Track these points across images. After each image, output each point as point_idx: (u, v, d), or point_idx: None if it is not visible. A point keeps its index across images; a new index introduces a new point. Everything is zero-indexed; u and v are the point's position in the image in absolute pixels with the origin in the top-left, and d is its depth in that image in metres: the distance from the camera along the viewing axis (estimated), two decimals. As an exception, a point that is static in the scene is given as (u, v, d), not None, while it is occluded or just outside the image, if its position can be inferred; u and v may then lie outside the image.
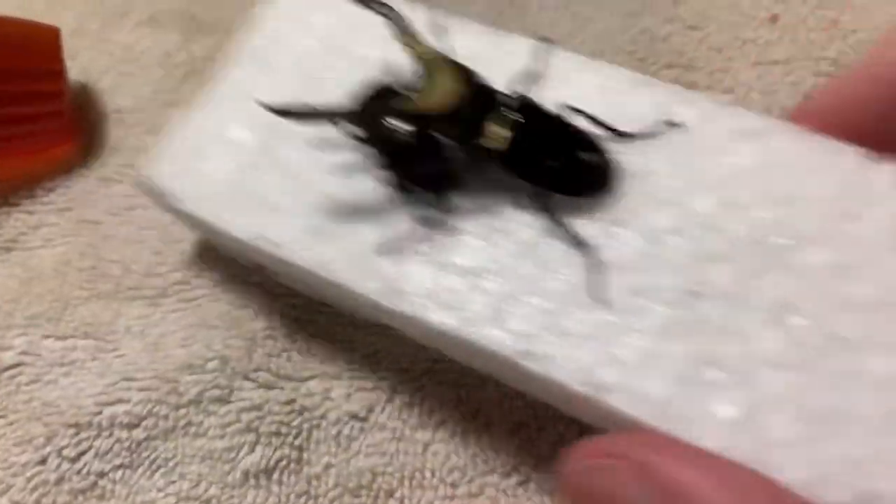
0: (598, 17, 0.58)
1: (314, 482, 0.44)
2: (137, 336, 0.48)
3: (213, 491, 0.44)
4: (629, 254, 0.37)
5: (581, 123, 0.39)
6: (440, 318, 0.36)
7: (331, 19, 0.46)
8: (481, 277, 0.37)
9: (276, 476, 0.45)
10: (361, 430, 0.45)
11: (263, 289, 0.49)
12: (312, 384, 0.46)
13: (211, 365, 0.46)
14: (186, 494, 0.44)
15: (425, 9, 0.42)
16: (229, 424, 0.45)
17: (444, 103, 0.37)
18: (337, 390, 0.46)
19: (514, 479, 0.44)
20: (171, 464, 0.45)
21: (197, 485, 0.44)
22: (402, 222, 0.39)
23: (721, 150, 0.38)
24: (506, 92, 0.39)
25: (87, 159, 0.55)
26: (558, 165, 0.38)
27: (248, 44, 0.46)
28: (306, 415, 0.46)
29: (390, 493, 0.44)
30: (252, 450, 0.45)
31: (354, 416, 0.46)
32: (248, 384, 0.46)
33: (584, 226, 0.37)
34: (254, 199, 0.41)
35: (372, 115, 0.39)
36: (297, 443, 0.45)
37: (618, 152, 0.39)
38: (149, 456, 0.45)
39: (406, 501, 0.44)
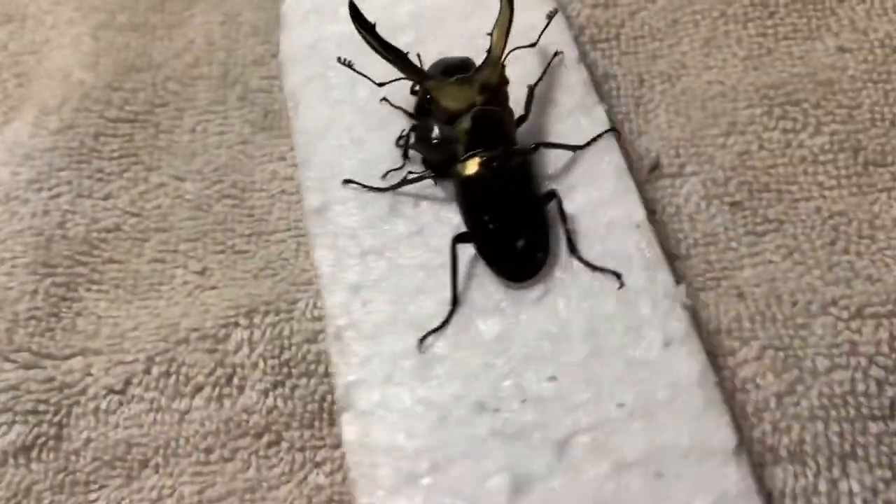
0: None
1: (73, 458, 0.44)
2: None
3: (-33, 473, 0.44)
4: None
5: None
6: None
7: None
8: None
9: (34, 454, 0.44)
10: (120, 403, 0.45)
11: (29, 269, 0.49)
12: (74, 361, 0.46)
13: (-29, 349, 0.47)
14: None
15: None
16: (-14, 406, 0.45)
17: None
18: (97, 366, 0.46)
19: (265, 440, 0.44)
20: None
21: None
22: None
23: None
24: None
25: None
26: (496, 228, 0.39)
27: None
28: (66, 391, 0.46)
29: (144, 464, 0.44)
30: (9, 429, 0.45)
31: (112, 390, 0.46)
32: (7, 365, 0.46)
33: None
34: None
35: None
36: (56, 420, 0.45)
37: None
38: None
39: (160, 469, 0.44)
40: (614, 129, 0.43)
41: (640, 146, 0.48)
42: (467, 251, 0.41)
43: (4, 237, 0.50)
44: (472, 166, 0.41)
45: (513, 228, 0.40)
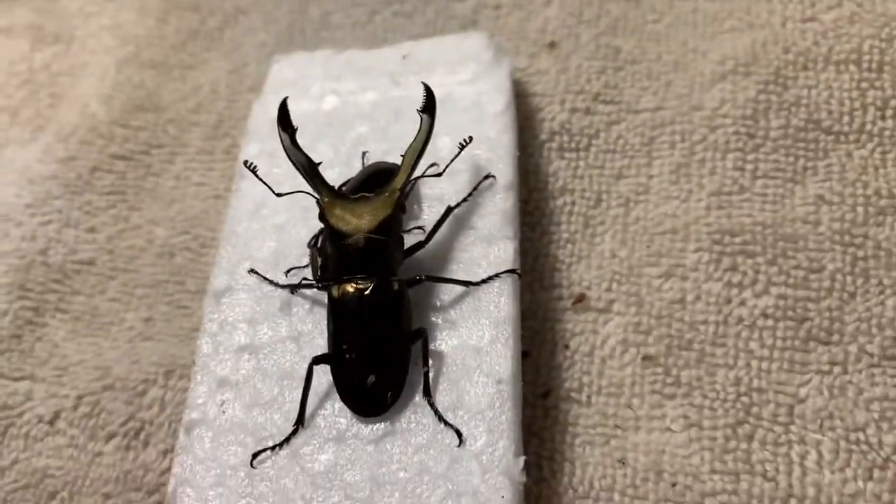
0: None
1: (-2, 475, 0.49)
2: None
3: None
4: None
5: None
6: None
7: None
8: None
9: (-31, 465, 0.50)
10: (47, 433, 0.49)
11: (6, 290, 0.53)
12: (20, 384, 0.51)
13: (-63, 358, 0.52)
14: None
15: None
16: (-63, 416, 0.51)
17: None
18: (38, 393, 0.50)
19: (153, 499, 0.46)
20: None
21: None
22: None
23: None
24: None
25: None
26: (351, 359, 0.40)
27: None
28: (7, 412, 0.50)
29: (53, 495, 0.48)
30: (-49, 439, 0.50)
31: (43, 420, 0.50)
32: (-37, 379, 0.51)
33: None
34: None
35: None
36: (-8, 437, 0.50)
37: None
38: None
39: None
40: (515, 271, 0.42)
41: (576, 272, 0.46)
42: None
43: (-7, 256, 0.55)
44: (341, 291, 0.41)
45: (368, 362, 0.39)
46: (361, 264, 0.41)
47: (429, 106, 0.43)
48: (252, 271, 0.45)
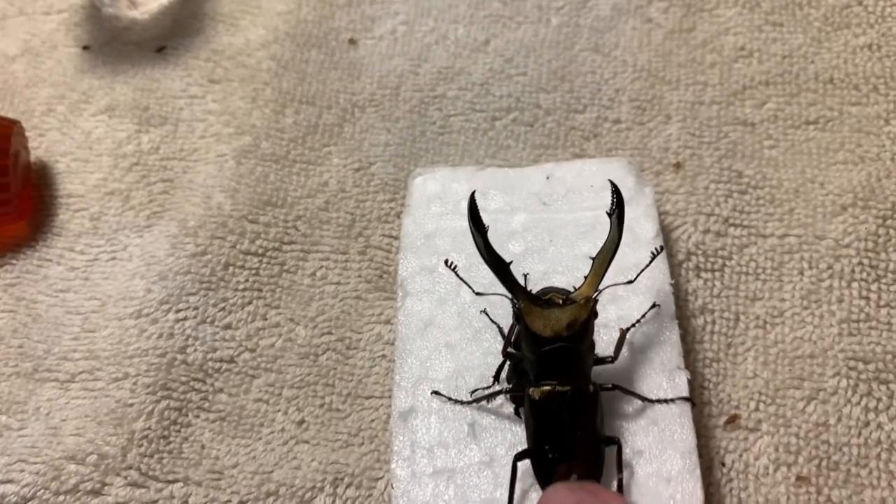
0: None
1: (161, 579, 0.50)
2: (43, 419, 0.55)
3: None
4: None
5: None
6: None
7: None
8: None
9: (129, 569, 0.51)
10: (210, 536, 0.51)
11: (151, 388, 0.54)
12: (174, 487, 0.52)
13: (90, 459, 0.53)
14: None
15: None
16: (96, 517, 0.52)
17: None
18: (194, 497, 0.52)
19: None
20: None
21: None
22: None
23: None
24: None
25: (35, 239, 0.62)
26: (553, 458, 0.44)
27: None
28: (164, 515, 0.52)
29: None
30: (111, 543, 0.51)
31: (204, 524, 0.51)
32: (118, 480, 0.52)
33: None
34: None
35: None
36: (151, 541, 0.51)
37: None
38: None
39: None
40: (690, 400, 0.46)
41: (723, 391, 0.51)
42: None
43: (132, 353, 0.56)
44: (542, 393, 0.44)
45: (569, 460, 0.43)
46: (560, 368, 0.44)
47: (618, 209, 0.46)
48: (436, 393, 0.48)
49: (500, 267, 0.45)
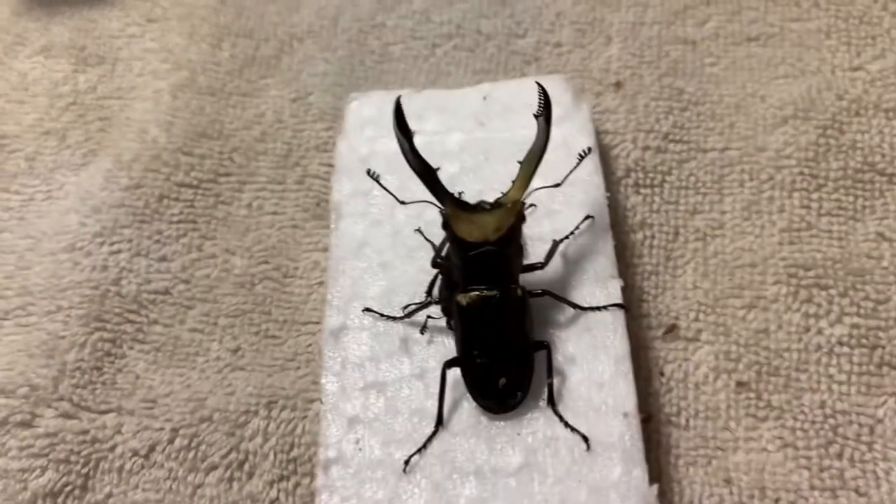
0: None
1: (93, 509, 0.49)
2: (-25, 353, 0.54)
3: (1, 508, 0.49)
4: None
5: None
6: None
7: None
8: None
9: (60, 500, 0.49)
10: (142, 466, 0.50)
11: (84, 321, 0.53)
12: (108, 418, 0.51)
13: (21, 391, 0.51)
14: (-24, 509, 0.49)
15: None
16: (25, 448, 0.50)
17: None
18: (127, 426, 0.50)
19: (268, 528, 0.48)
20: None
21: (-12, 501, 0.49)
22: None
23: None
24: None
25: (-30, 179, 0.60)
26: (482, 363, 0.43)
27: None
28: (97, 446, 0.50)
29: (153, 528, 0.48)
30: (42, 473, 0.50)
31: (137, 453, 0.50)
32: (49, 412, 0.51)
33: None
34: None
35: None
36: (83, 471, 0.49)
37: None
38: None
39: (167, 538, 0.48)
40: (622, 306, 0.45)
41: (662, 303, 0.50)
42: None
43: (65, 286, 0.54)
44: (470, 299, 0.43)
45: (498, 365, 0.42)
46: (488, 273, 0.43)
47: (545, 111, 0.44)
48: (367, 310, 0.47)
49: (426, 172, 0.44)
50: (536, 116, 0.45)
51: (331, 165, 0.57)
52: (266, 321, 0.53)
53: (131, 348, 0.53)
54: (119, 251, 0.55)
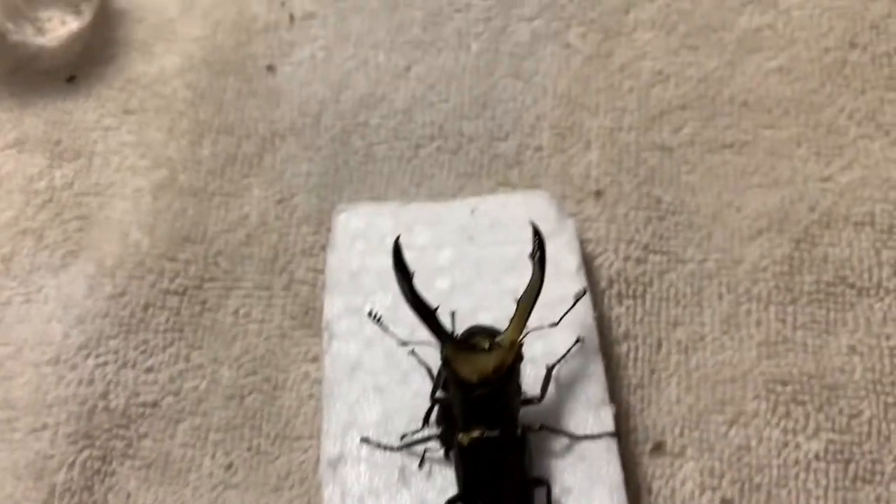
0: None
1: None
2: (-44, 473, 0.53)
3: None
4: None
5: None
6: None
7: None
8: None
9: None
10: (137, 590, 0.50)
11: (72, 438, 0.53)
12: (100, 541, 0.51)
13: (9, 515, 0.51)
14: None
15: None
16: (16, 575, 0.50)
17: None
18: (121, 549, 0.51)
19: None
20: None
21: None
22: None
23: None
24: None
25: (-58, 282, 0.59)
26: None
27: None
28: (90, 571, 0.50)
29: None
30: None
31: (131, 578, 0.50)
32: (40, 537, 0.51)
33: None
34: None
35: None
36: None
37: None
38: None
39: None
40: (616, 434, 0.47)
41: (648, 417, 0.52)
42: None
43: (51, 402, 0.54)
44: (471, 439, 0.44)
45: None
46: (489, 413, 0.44)
47: (539, 252, 0.46)
48: (365, 440, 0.47)
49: (425, 313, 0.45)
50: (531, 257, 0.46)
51: (318, 271, 0.57)
52: (257, 436, 0.53)
53: (121, 465, 0.53)
54: (105, 363, 0.55)
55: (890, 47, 0.63)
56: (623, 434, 0.51)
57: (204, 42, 0.67)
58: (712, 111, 0.61)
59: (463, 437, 0.44)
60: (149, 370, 0.55)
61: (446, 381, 0.46)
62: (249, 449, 0.53)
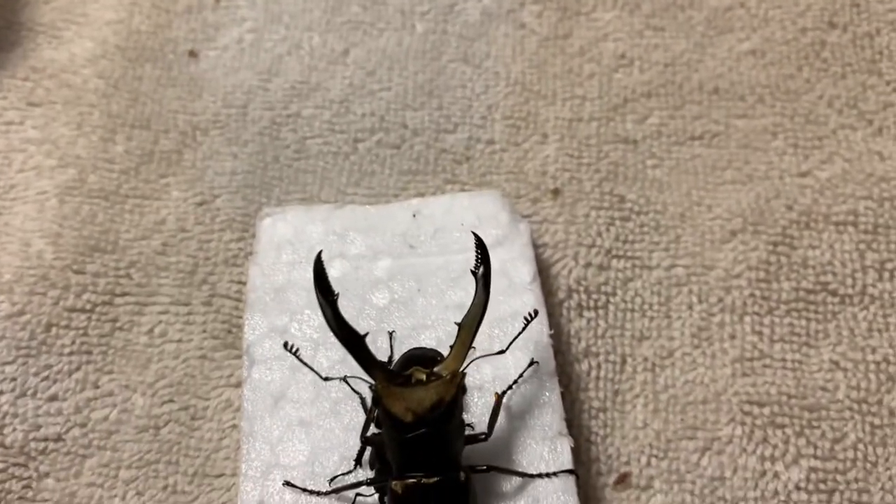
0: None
1: None
2: None
3: None
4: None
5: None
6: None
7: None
8: None
9: None
10: None
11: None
12: None
13: None
14: None
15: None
16: None
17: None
18: None
19: None
20: None
21: None
22: None
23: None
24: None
25: None
26: None
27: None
28: None
29: None
30: None
31: None
32: None
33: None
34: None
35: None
36: None
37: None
38: None
39: None
40: (574, 472, 0.41)
41: (612, 445, 0.46)
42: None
43: (-63, 439, 0.47)
44: (406, 486, 0.38)
45: None
46: (426, 457, 0.38)
47: (484, 268, 0.40)
48: (288, 483, 0.42)
49: (352, 342, 0.38)
50: (474, 273, 0.40)
51: (242, 283, 0.51)
52: (173, 473, 0.47)
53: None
54: (1, 392, 0.49)
55: (872, 27, 0.57)
56: (584, 464, 0.45)
57: (118, 26, 0.60)
58: (680, 99, 0.55)
59: (397, 485, 0.38)
60: (52, 399, 0.49)
61: (378, 417, 0.40)
62: (165, 488, 0.47)
